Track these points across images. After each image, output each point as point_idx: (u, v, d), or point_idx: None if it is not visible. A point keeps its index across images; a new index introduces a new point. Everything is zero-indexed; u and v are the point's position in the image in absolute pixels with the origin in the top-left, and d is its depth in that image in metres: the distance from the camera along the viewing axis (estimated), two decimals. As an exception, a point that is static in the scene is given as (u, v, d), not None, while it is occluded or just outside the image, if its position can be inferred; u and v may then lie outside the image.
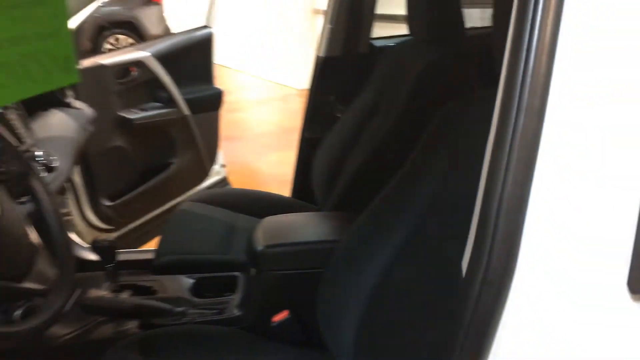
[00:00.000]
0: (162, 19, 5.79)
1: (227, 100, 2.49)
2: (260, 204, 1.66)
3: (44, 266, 0.85)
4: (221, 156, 2.62)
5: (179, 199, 2.25)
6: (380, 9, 1.87)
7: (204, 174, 2.45)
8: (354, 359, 0.92)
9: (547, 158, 0.35)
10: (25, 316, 0.83)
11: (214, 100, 2.38)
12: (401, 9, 1.43)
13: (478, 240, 0.38)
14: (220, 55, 2.45)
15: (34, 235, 0.86)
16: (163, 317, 1.19)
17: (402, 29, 1.57)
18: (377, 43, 1.89)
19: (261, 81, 6.64)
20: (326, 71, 1.78)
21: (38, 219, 0.90)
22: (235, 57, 7.10)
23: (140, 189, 2.14)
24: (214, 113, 2.43)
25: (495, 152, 0.37)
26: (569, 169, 0.35)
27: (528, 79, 0.35)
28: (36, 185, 0.92)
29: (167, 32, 5.60)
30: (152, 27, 5.77)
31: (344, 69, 1.79)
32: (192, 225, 1.56)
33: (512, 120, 0.36)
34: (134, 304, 1.19)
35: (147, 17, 5.79)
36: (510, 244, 0.36)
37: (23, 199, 0.91)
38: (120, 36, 5.68)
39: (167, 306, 1.20)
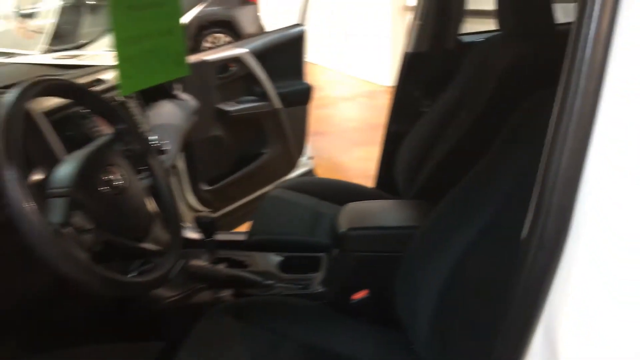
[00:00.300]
0: (256, 18, 6.05)
1: (315, 96, 2.59)
2: (344, 193, 1.73)
3: (159, 231, 0.99)
4: (309, 148, 2.74)
5: (268, 187, 2.39)
6: (472, 5, 1.87)
7: (292, 164, 2.57)
8: (428, 340, 0.96)
9: (600, 141, 0.39)
10: (141, 273, 0.97)
11: (304, 94, 2.48)
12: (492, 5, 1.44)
13: (537, 208, 0.42)
14: (309, 53, 2.55)
15: (151, 206, 1.01)
16: (254, 287, 1.32)
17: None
18: (465, 39, 1.89)
19: (349, 78, 6.74)
20: (413, 67, 1.82)
21: (154, 192, 1.04)
22: (324, 55, 7.25)
23: (235, 175, 2.29)
24: (303, 107, 2.54)
25: (556, 130, 0.41)
26: (620, 159, 0.38)
27: (585, 68, 0.38)
28: (153, 164, 1.06)
29: (260, 31, 5.86)
30: (247, 26, 6.04)
31: (431, 65, 1.82)
32: (281, 210, 1.68)
33: (569, 105, 0.40)
34: (230, 274, 1.32)
35: (243, 17, 6.06)
36: (563, 214, 0.40)
37: (142, 175, 1.06)
38: (218, 35, 6.00)
39: (257, 278, 1.32)
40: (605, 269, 0.40)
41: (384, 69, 5.97)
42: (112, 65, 1.63)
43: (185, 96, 1.84)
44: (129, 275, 0.99)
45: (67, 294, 1.27)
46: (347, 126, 4.80)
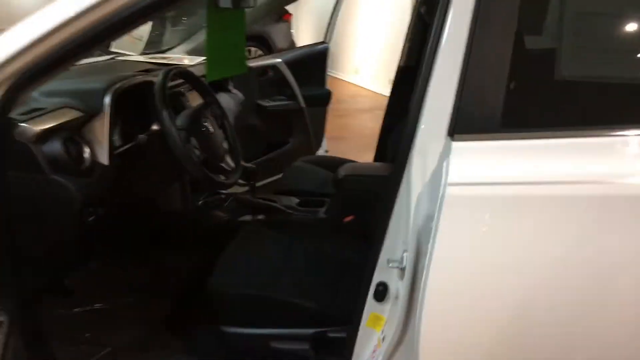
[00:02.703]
0: (289, 35, 6.81)
1: (337, 107, 3.26)
2: (347, 165, 2.45)
3: (229, 160, 1.74)
4: (325, 143, 3.46)
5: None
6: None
7: (312, 153, 3.29)
8: None
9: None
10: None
11: (324, 98, 3.21)
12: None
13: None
14: (334, 68, 3.27)
15: (225, 145, 1.76)
16: (279, 213, 2.04)
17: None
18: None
19: (368, 92, 7.50)
20: (404, 76, 2.54)
21: (226, 137, 1.79)
22: (347, 70, 8.03)
23: (264, 157, 3.02)
24: (323, 108, 3.27)
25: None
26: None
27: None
28: (226, 123, 1.81)
29: (292, 46, 6.63)
30: (279, 42, 6.77)
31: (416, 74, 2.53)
32: (301, 174, 2.42)
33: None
34: (265, 204, 2.06)
35: (276, 33, 6.79)
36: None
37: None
38: (252, 48, 6.76)
39: (283, 207, 2.05)
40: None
41: (401, 86, 6.67)
42: (190, 65, 2.40)
43: (235, 91, 2.60)
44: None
45: (159, 212, 2.02)
46: (362, 133, 5.54)
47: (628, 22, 1.14)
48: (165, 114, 1.47)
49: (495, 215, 1.04)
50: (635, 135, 1.04)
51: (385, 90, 7.21)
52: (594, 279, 1.05)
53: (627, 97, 1.11)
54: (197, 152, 1.55)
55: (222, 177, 1.67)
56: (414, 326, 1.12)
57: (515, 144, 1.06)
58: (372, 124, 6.07)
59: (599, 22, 1.14)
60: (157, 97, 1.50)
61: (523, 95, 1.12)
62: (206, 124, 1.64)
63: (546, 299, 1.07)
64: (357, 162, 2.56)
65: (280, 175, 3.14)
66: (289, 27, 6.84)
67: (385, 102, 2.50)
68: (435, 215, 1.03)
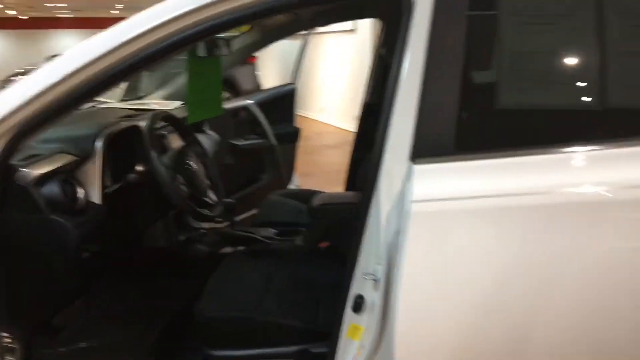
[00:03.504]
0: (254, 77, 7.04)
1: (305, 144, 3.41)
2: (320, 197, 2.60)
3: (210, 194, 1.87)
4: (296, 177, 3.61)
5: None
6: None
7: (284, 188, 3.43)
8: None
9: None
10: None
11: (294, 135, 3.38)
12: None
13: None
14: (301, 107, 3.44)
15: (206, 181, 1.89)
16: (259, 243, 2.17)
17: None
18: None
19: (334, 129, 7.75)
20: (369, 112, 2.73)
21: (208, 175, 1.93)
22: (314, 109, 8.29)
23: (238, 194, 3.13)
24: (293, 145, 3.44)
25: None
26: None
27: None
28: (207, 161, 1.95)
29: (258, 87, 6.86)
30: (245, 83, 7.01)
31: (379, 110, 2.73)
32: (276, 207, 2.55)
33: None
34: (244, 236, 2.18)
35: (241, 75, 7.04)
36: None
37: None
38: (219, 91, 6.93)
39: (261, 238, 2.17)
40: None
41: (365, 122, 6.94)
42: (167, 109, 2.54)
43: (210, 132, 2.74)
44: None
45: (146, 247, 2.12)
46: (330, 169, 5.73)
47: (555, 58, 1.35)
48: (154, 155, 1.61)
49: (453, 226, 1.20)
50: (567, 152, 1.24)
51: (349, 125, 7.52)
52: (547, 278, 1.21)
53: (558, 120, 1.31)
54: (183, 188, 1.68)
55: (206, 211, 1.80)
56: (390, 332, 1.25)
57: (467, 165, 1.24)
58: (339, 160, 6.29)
59: (531, 59, 1.35)
60: (146, 140, 1.64)
61: (471, 123, 1.31)
62: (190, 162, 1.78)
63: (507, 302, 1.23)
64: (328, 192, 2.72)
65: (256, 210, 3.28)
66: (253, 69, 7.07)
67: (349, 137, 2.68)
68: (402, 229, 1.19)
